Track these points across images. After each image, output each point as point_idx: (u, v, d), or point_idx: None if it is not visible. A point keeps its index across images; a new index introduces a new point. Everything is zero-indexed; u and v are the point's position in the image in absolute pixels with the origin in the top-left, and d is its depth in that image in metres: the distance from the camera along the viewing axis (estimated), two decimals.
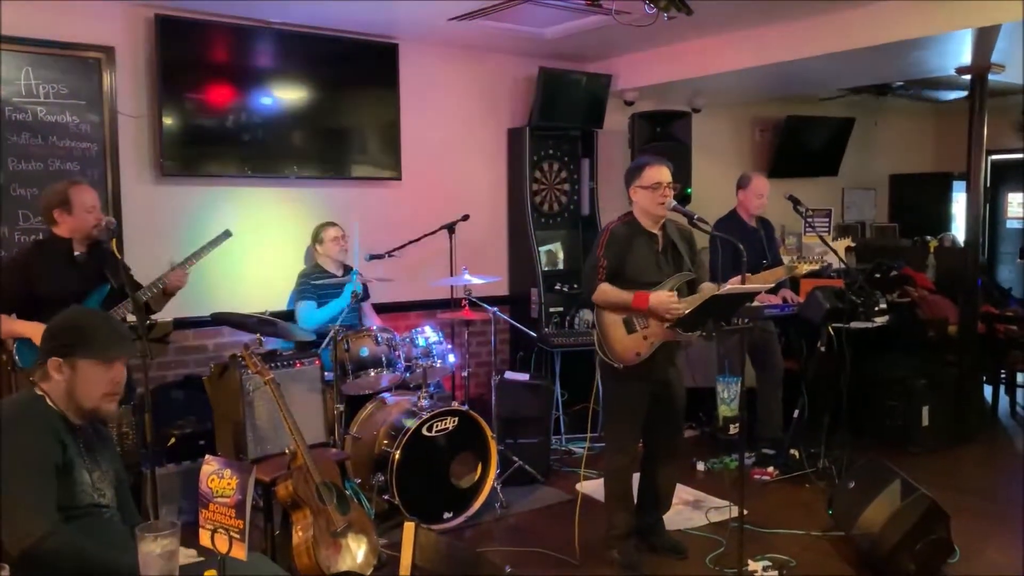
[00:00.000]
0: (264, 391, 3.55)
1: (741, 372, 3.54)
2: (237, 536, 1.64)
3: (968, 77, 5.58)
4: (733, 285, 3.50)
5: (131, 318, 3.40)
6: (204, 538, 1.70)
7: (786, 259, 4.71)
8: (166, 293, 3.73)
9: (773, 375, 5.14)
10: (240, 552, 1.65)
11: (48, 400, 2.16)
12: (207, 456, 1.75)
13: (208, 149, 4.89)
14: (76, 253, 3.56)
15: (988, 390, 6.39)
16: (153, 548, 1.67)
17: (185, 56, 4.74)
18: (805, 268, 4.44)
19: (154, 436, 3.63)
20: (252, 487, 1.66)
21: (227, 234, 3.91)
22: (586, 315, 5.81)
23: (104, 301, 3.52)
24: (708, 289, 3.59)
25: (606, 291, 3.52)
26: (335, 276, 4.72)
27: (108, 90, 4.55)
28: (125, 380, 2.27)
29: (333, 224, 4.88)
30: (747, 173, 5.25)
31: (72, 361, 2.16)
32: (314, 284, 4.70)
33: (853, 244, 5.31)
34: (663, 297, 3.45)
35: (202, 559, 1.95)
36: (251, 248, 5.03)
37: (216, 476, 1.67)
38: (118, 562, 1.93)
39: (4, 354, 3.62)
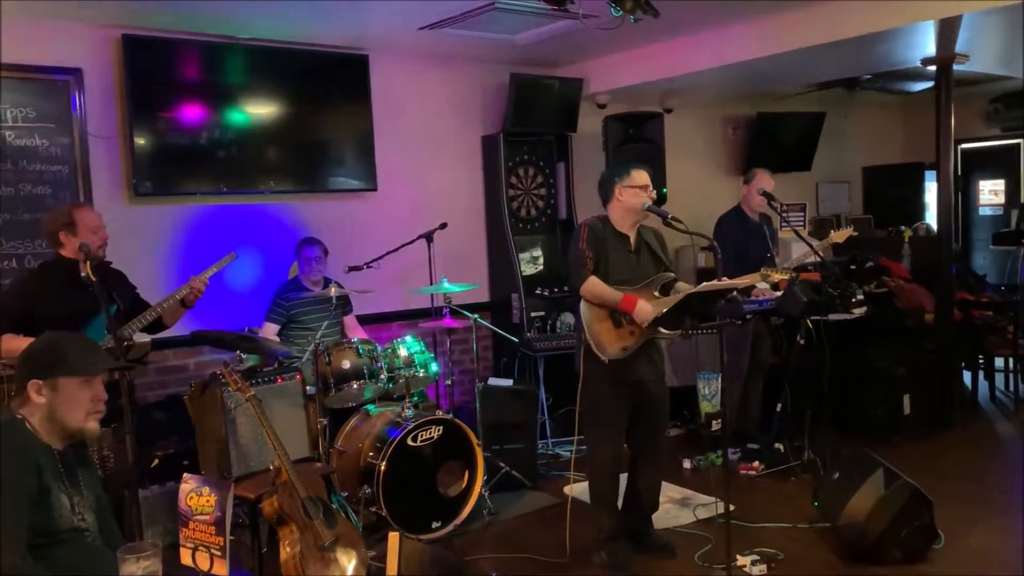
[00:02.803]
0: (246, 408, 3.53)
1: (721, 368, 3.56)
2: (218, 553, 1.64)
3: (933, 68, 5.65)
4: (711, 283, 3.53)
5: (140, 337, 3.51)
6: (185, 557, 1.70)
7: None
8: (184, 304, 3.75)
9: (760, 367, 5.23)
10: (222, 569, 1.65)
11: (27, 424, 2.14)
12: (185, 475, 1.74)
13: (181, 167, 4.86)
14: (82, 274, 3.55)
15: (968, 376, 6.46)
16: (134, 570, 1.66)
17: (154, 75, 4.71)
18: (776, 276, 4.51)
19: (137, 457, 3.61)
20: (231, 504, 1.66)
21: (232, 256, 3.92)
22: (568, 318, 5.82)
23: (111, 321, 3.51)
24: (683, 288, 3.64)
25: (596, 284, 3.57)
26: (311, 292, 4.70)
27: (77, 112, 4.52)
28: (106, 397, 2.26)
29: (312, 244, 4.80)
30: (753, 169, 5.32)
31: (53, 382, 2.15)
32: (286, 303, 4.68)
33: (855, 233, 5.27)
34: (649, 310, 3.49)
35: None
36: (228, 264, 5.00)
37: (195, 494, 1.66)
38: None
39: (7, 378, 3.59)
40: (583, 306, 3.62)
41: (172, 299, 3.69)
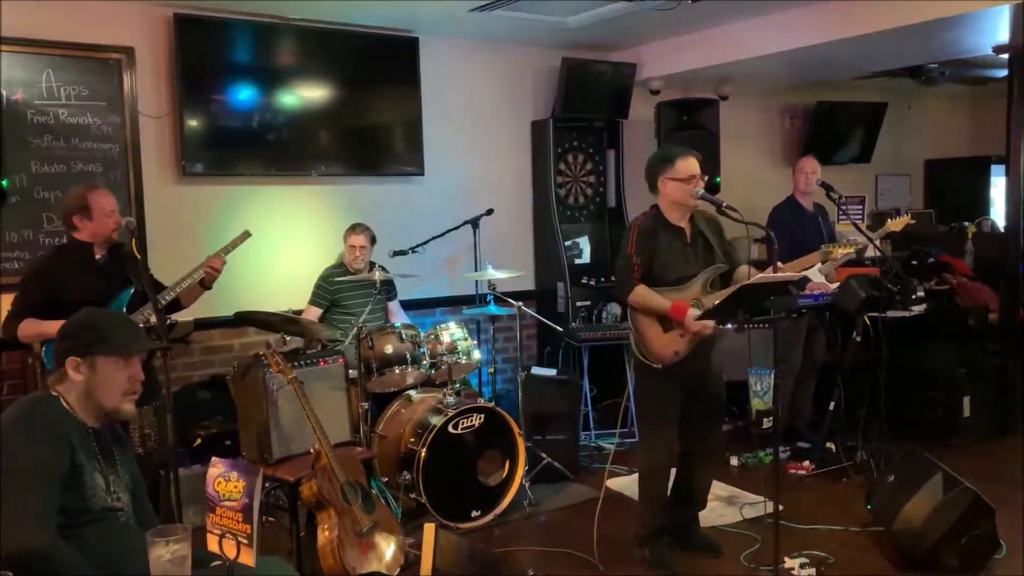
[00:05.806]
0: (288, 390, 3.51)
1: (774, 364, 3.43)
2: (245, 541, 1.58)
3: (1006, 56, 5.41)
4: (764, 274, 3.39)
5: (154, 319, 3.37)
6: (212, 543, 1.65)
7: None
8: (203, 284, 3.68)
9: (813, 364, 5.09)
10: (248, 558, 1.59)
11: (63, 401, 2.12)
12: (213, 458, 1.69)
13: (230, 148, 4.87)
14: (97, 257, 3.53)
15: None
16: (163, 553, 1.62)
17: (205, 55, 4.72)
18: (840, 252, 4.28)
19: (179, 436, 3.61)
20: (259, 490, 1.60)
21: (246, 234, 3.83)
22: (614, 308, 5.72)
23: (128, 304, 3.49)
24: (742, 274, 3.51)
25: (642, 295, 3.44)
26: (354, 275, 4.66)
27: (129, 91, 4.55)
28: (143, 378, 2.23)
29: (359, 232, 4.72)
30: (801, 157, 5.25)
31: (91, 360, 2.12)
32: (330, 286, 4.66)
33: (912, 220, 5.04)
34: (699, 322, 3.36)
35: None
36: (275, 247, 5.01)
37: (223, 479, 1.62)
38: None
39: (32, 357, 3.62)
40: (631, 313, 3.51)
41: (190, 279, 3.60)
